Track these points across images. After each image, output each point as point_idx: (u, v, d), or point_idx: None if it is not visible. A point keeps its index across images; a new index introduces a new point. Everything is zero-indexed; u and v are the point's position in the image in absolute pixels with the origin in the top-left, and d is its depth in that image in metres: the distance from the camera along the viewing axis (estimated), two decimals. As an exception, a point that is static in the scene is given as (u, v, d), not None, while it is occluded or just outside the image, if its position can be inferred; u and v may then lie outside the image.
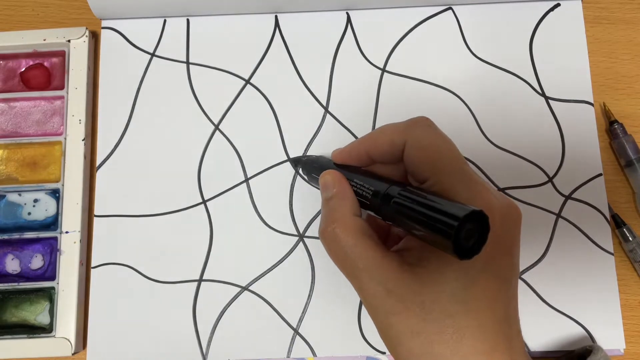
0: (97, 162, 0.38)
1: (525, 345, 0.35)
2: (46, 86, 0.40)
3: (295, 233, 0.37)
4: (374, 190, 0.26)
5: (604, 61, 0.40)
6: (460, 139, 0.38)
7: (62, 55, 0.40)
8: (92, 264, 0.37)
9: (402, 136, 0.27)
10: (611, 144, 0.38)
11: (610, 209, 0.37)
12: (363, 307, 0.36)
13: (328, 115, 0.39)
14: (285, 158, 0.38)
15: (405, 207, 0.24)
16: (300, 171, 0.34)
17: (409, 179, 0.28)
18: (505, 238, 0.24)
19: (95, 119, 0.39)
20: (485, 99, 0.39)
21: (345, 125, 0.38)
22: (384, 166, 0.30)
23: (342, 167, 0.30)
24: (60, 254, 0.36)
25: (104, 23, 0.40)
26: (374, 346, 0.35)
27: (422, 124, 0.27)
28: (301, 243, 0.37)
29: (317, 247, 0.37)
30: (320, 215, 0.28)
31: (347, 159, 0.30)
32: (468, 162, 0.27)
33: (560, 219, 0.37)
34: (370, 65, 0.39)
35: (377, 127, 0.38)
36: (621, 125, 0.38)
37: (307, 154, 0.36)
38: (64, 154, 0.38)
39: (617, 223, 0.37)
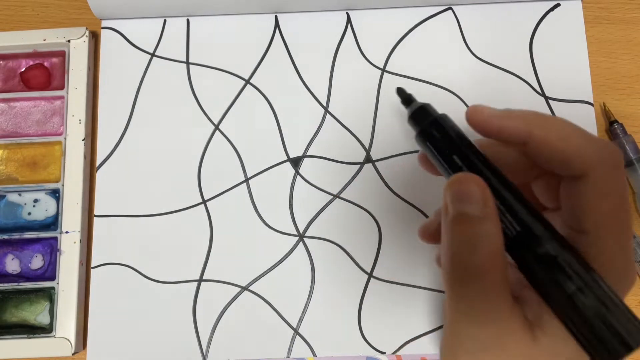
0: (97, 162, 0.38)
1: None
2: (46, 86, 0.40)
3: (295, 233, 0.37)
4: (518, 232, 0.20)
5: (604, 61, 0.40)
6: (460, 139, 0.38)
7: (62, 55, 0.40)
8: (92, 264, 0.37)
9: (586, 160, 0.21)
10: (611, 144, 0.38)
11: (610, 209, 0.37)
12: (363, 307, 0.36)
13: (328, 115, 0.39)
14: (285, 158, 0.38)
15: (564, 284, 0.19)
16: (418, 138, 0.24)
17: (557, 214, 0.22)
18: None
19: (95, 119, 0.39)
20: (485, 99, 0.39)
21: (345, 125, 0.38)
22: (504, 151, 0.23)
23: (478, 157, 0.23)
24: (60, 254, 0.36)
25: (104, 23, 0.40)
26: (374, 346, 0.35)
27: (615, 162, 0.21)
28: (301, 243, 0.37)
29: (317, 247, 0.37)
30: (448, 237, 0.21)
31: (486, 130, 0.23)
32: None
33: (560, 219, 0.37)
34: (370, 65, 0.39)
35: (376, 128, 0.38)
36: (621, 125, 0.38)
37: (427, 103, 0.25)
38: (64, 154, 0.38)
39: (617, 223, 0.37)
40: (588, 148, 0.21)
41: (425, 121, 0.25)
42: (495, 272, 0.20)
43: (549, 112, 0.38)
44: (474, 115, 0.24)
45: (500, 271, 0.20)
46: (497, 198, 0.21)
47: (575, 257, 0.20)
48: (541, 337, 0.20)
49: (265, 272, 0.36)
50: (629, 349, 0.17)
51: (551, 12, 0.40)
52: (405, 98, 0.26)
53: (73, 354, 0.35)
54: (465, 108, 0.38)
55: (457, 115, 0.38)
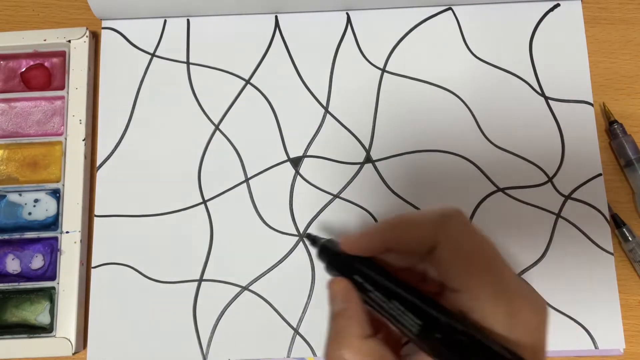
0: (98, 162, 0.38)
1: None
2: (46, 86, 0.40)
3: (295, 233, 0.37)
4: (421, 327, 0.23)
5: (603, 61, 0.40)
6: (460, 139, 0.38)
7: (62, 55, 0.40)
8: (93, 264, 0.37)
9: (433, 234, 0.24)
10: (611, 144, 0.38)
11: (610, 209, 0.37)
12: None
13: (328, 115, 0.39)
14: (285, 158, 0.38)
15: (467, 355, 0.21)
16: (318, 256, 0.29)
17: (434, 277, 0.26)
18: (542, 346, 0.23)
19: (96, 119, 0.39)
20: (485, 99, 0.39)
21: (345, 125, 0.39)
22: (397, 257, 0.27)
23: (360, 262, 0.26)
24: (60, 254, 0.36)
25: (104, 23, 0.40)
26: (374, 346, 0.35)
27: (457, 222, 0.24)
28: (301, 243, 0.37)
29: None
30: (327, 330, 0.25)
31: (360, 250, 0.27)
32: (502, 257, 0.24)
33: (560, 219, 0.37)
34: (370, 65, 0.39)
35: (376, 128, 0.38)
36: (621, 125, 0.38)
37: (330, 238, 0.30)
38: (64, 154, 0.38)
39: (616, 223, 0.37)
40: (427, 224, 0.25)
41: (312, 242, 0.30)
42: (368, 355, 0.23)
43: (548, 112, 0.38)
44: (345, 246, 0.27)
45: (371, 351, 0.24)
46: (391, 300, 0.24)
47: (470, 334, 0.22)
48: None
49: (265, 272, 0.36)
50: None
51: (551, 12, 0.40)
52: (313, 240, 0.30)
53: (73, 354, 0.35)
54: (465, 108, 0.39)
55: (457, 115, 0.38)
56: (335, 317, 0.25)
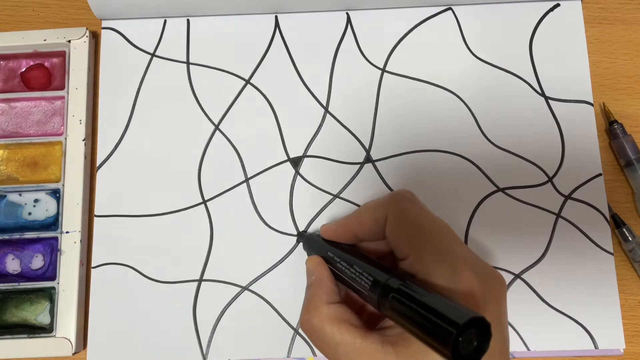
0: (97, 162, 0.38)
1: (525, 345, 0.35)
2: (46, 86, 0.40)
3: (295, 233, 0.37)
4: (372, 282, 0.26)
5: (603, 61, 0.40)
6: (460, 139, 0.38)
7: (62, 55, 0.40)
8: (92, 264, 0.37)
9: (383, 212, 0.27)
10: (611, 144, 0.38)
11: (609, 208, 0.37)
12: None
13: (328, 115, 0.39)
14: (285, 158, 0.38)
15: (402, 306, 0.23)
16: (302, 247, 0.35)
17: (396, 257, 0.27)
18: (492, 314, 0.24)
19: (96, 119, 0.39)
20: (485, 99, 0.39)
21: (345, 125, 0.39)
22: (372, 243, 0.30)
23: (334, 245, 0.31)
24: (60, 254, 0.36)
25: (104, 23, 0.40)
26: (374, 346, 0.35)
27: (403, 198, 0.28)
28: (301, 243, 0.37)
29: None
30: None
31: (334, 237, 0.31)
32: (452, 231, 0.27)
33: (560, 219, 0.37)
34: (370, 65, 0.39)
35: (376, 128, 0.38)
36: (621, 125, 0.38)
37: (311, 230, 0.36)
38: (64, 154, 0.38)
39: (616, 223, 0.37)
40: (380, 204, 0.28)
41: (299, 237, 0.37)
42: (331, 318, 0.26)
43: (548, 112, 0.38)
44: (322, 231, 0.32)
45: (333, 314, 0.26)
46: (353, 265, 0.28)
47: (408, 286, 0.24)
48: (404, 354, 0.23)
49: (265, 272, 0.36)
50: (457, 327, 0.20)
51: (551, 12, 0.40)
52: (300, 235, 0.36)
53: (73, 354, 0.35)
54: (465, 108, 0.39)
55: (457, 115, 0.38)
56: (308, 288, 0.29)
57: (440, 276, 0.24)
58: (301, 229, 0.37)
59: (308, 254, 0.33)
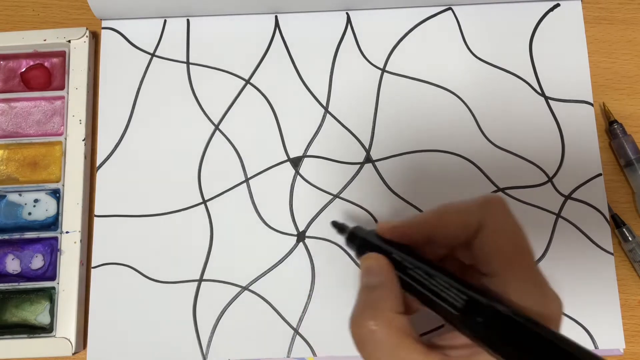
0: (97, 162, 0.38)
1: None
2: (46, 86, 0.40)
3: (295, 233, 0.37)
4: (466, 301, 0.22)
5: (603, 61, 0.40)
6: (460, 139, 0.38)
7: (62, 55, 0.40)
8: (92, 264, 0.37)
9: (477, 217, 0.24)
10: (611, 144, 0.38)
11: (609, 209, 0.37)
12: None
13: (328, 115, 0.39)
14: (285, 158, 0.38)
15: (508, 336, 0.21)
16: (345, 242, 0.29)
17: (469, 264, 0.26)
18: None
19: (96, 119, 0.39)
20: (485, 99, 0.39)
21: (345, 125, 0.39)
22: (431, 247, 0.26)
23: (394, 246, 0.26)
24: (60, 254, 0.36)
25: (104, 23, 0.40)
26: (374, 346, 0.35)
27: (499, 205, 0.25)
28: (301, 243, 0.37)
29: (317, 247, 0.37)
30: (356, 302, 0.25)
31: (399, 237, 0.26)
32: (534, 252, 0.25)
33: (560, 219, 0.37)
34: (370, 65, 0.39)
35: (376, 128, 0.38)
36: (621, 125, 0.38)
37: (357, 224, 0.30)
38: (64, 154, 0.38)
39: (616, 223, 0.37)
40: (473, 208, 0.25)
41: (339, 229, 0.31)
42: (399, 330, 0.23)
43: (548, 112, 0.38)
44: (382, 230, 0.27)
45: (403, 327, 0.23)
46: (435, 278, 0.24)
47: (521, 321, 0.21)
48: None
49: (265, 272, 0.36)
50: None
51: (551, 12, 0.40)
52: (340, 228, 0.30)
53: (73, 354, 0.35)
54: (465, 108, 0.39)
55: (457, 115, 0.38)
56: (370, 290, 0.25)
57: (533, 302, 0.22)
58: (301, 229, 0.37)
59: (358, 253, 0.28)
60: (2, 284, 0.36)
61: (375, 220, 0.37)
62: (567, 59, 0.39)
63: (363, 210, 0.37)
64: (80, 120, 0.38)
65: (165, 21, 0.40)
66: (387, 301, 0.24)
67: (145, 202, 0.38)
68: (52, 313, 0.36)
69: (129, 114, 0.39)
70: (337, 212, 0.37)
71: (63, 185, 0.37)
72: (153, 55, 0.40)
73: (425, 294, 0.24)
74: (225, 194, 0.38)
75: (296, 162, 0.38)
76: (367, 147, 0.38)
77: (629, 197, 0.38)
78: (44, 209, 0.38)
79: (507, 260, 0.23)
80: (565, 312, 0.35)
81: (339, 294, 0.36)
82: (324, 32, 0.40)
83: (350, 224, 0.31)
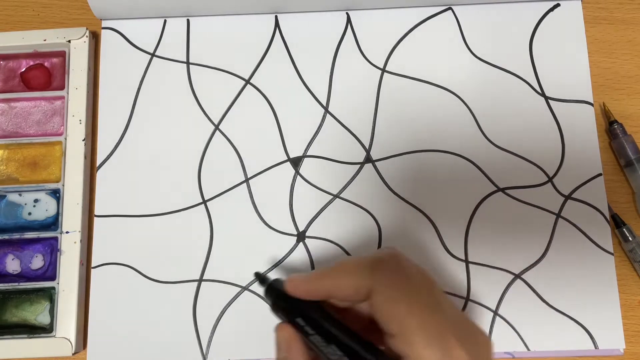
0: (97, 162, 0.38)
1: (525, 345, 0.35)
2: (46, 86, 0.40)
3: (295, 233, 0.37)
4: None
5: (603, 61, 0.40)
6: (460, 139, 0.38)
7: (62, 55, 0.40)
8: (92, 264, 0.37)
9: (368, 282, 0.25)
10: (611, 144, 0.38)
11: (610, 209, 0.37)
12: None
13: (328, 115, 0.39)
14: (285, 158, 0.38)
15: None
16: (264, 295, 0.30)
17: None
18: None
19: (96, 119, 0.39)
20: (485, 99, 0.39)
21: (345, 125, 0.39)
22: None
23: (300, 302, 0.27)
24: (60, 254, 0.36)
25: (104, 23, 0.40)
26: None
27: (390, 266, 0.26)
28: (301, 243, 0.37)
29: (317, 247, 0.37)
30: None
31: (303, 294, 0.27)
32: (439, 295, 0.26)
33: (560, 219, 0.37)
34: (370, 65, 0.39)
35: (376, 128, 0.38)
36: (621, 125, 0.38)
37: (276, 277, 0.32)
38: (64, 154, 0.38)
39: (616, 223, 0.37)
40: (362, 270, 0.25)
41: (261, 281, 0.31)
42: None
43: (548, 112, 0.38)
44: (289, 289, 0.27)
45: None
46: (331, 343, 0.25)
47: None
48: None
49: (265, 272, 0.36)
50: None
51: (551, 12, 0.40)
52: (262, 280, 0.30)
53: (73, 354, 0.35)
54: (465, 108, 0.39)
55: (457, 115, 0.38)
56: None
57: (434, 357, 0.23)
58: (301, 229, 0.37)
59: (272, 309, 0.29)
60: (2, 284, 0.36)
61: (376, 221, 0.37)
62: (567, 59, 0.39)
63: (363, 210, 0.37)
64: (80, 120, 0.38)
65: (165, 21, 0.40)
66: None
67: (145, 202, 0.38)
68: (52, 313, 0.36)
69: (129, 114, 0.39)
70: (337, 212, 0.37)
71: (63, 185, 0.37)
72: (153, 55, 0.40)
73: (322, 357, 0.25)
74: (225, 194, 0.38)
75: (296, 162, 0.38)
76: (367, 147, 0.38)
77: (629, 197, 0.38)
78: (44, 209, 0.38)
79: (401, 322, 0.24)
80: (566, 312, 0.35)
81: (339, 294, 0.36)
82: (324, 32, 0.40)
83: (274, 276, 0.32)
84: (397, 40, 0.40)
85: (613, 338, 0.35)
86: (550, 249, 0.36)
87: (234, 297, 0.36)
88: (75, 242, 0.36)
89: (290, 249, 0.37)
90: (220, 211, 0.37)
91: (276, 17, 0.40)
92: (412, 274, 0.26)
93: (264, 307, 0.36)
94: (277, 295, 0.28)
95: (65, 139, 0.38)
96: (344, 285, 0.26)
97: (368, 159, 0.38)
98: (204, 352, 0.35)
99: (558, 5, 0.40)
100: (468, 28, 0.40)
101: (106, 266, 0.37)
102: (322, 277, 0.27)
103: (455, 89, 0.39)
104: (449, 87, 0.39)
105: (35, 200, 0.38)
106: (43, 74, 0.40)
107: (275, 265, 0.36)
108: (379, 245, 0.37)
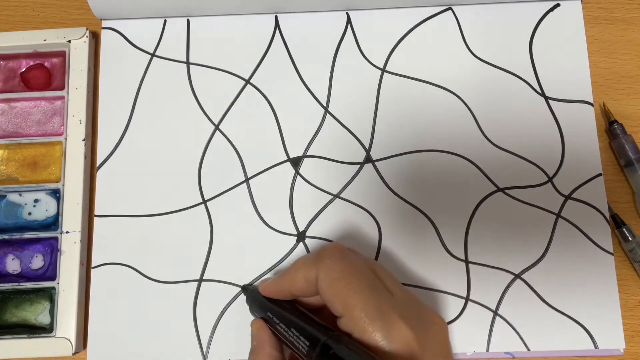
0: (97, 162, 0.38)
1: (525, 345, 0.35)
2: (46, 86, 0.40)
3: (295, 233, 0.37)
4: (308, 346, 0.26)
5: (603, 61, 0.40)
6: (460, 139, 0.38)
7: (62, 55, 0.40)
8: (93, 264, 0.37)
9: (314, 271, 0.27)
10: (611, 144, 0.38)
11: (609, 209, 0.37)
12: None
13: (328, 115, 0.39)
14: (285, 158, 0.38)
15: None
16: (245, 301, 0.34)
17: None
18: (436, 357, 0.25)
19: (96, 119, 0.39)
20: (485, 99, 0.39)
21: (345, 125, 0.39)
22: (315, 298, 0.29)
23: (275, 302, 0.31)
24: (60, 254, 0.36)
25: (104, 23, 0.40)
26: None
27: (332, 256, 0.28)
28: (301, 243, 0.37)
29: (317, 247, 0.37)
30: None
31: (272, 294, 0.31)
32: (388, 276, 0.28)
33: (560, 219, 0.37)
34: (370, 65, 0.39)
35: (376, 128, 0.38)
36: (621, 125, 0.38)
37: (256, 283, 0.35)
38: (64, 154, 0.38)
39: (616, 223, 0.37)
40: (309, 263, 0.28)
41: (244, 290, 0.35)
42: None
43: (548, 112, 0.38)
44: (262, 290, 0.31)
45: None
46: (291, 328, 0.28)
47: (343, 348, 0.25)
48: None
49: (265, 272, 0.36)
50: None
51: (551, 12, 0.40)
52: (244, 289, 0.35)
53: (73, 354, 0.35)
54: (465, 108, 0.39)
55: (457, 115, 0.38)
56: (250, 354, 0.30)
57: (375, 336, 0.25)
58: (301, 229, 0.37)
59: (251, 311, 0.33)
60: (2, 284, 0.36)
61: (376, 221, 0.37)
62: (567, 59, 0.39)
63: (363, 210, 0.37)
64: (80, 120, 0.38)
65: (165, 21, 0.40)
66: None
67: (145, 202, 0.38)
68: (52, 313, 0.36)
69: (129, 114, 0.39)
70: (337, 212, 0.37)
71: (63, 185, 0.37)
72: (153, 55, 0.40)
73: (288, 344, 0.28)
74: (225, 194, 0.38)
75: (296, 162, 0.38)
76: (367, 147, 0.38)
77: (629, 197, 0.38)
78: (44, 209, 0.38)
79: (344, 301, 0.26)
80: (565, 312, 0.35)
81: (339, 294, 0.36)
82: (324, 32, 0.40)
83: (255, 283, 0.35)
84: (397, 40, 0.40)
85: (613, 338, 0.35)
86: (550, 249, 0.36)
87: (234, 297, 0.36)
88: (75, 242, 0.36)
89: (290, 249, 0.37)
90: (220, 211, 0.37)
91: (276, 17, 0.40)
92: (353, 259, 0.28)
93: (264, 307, 0.36)
94: (253, 298, 0.33)
95: (66, 139, 0.38)
96: (297, 280, 0.28)
97: (368, 159, 0.38)
98: (204, 352, 0.35)
99: (558, 5, 0.40)
100: (468, 28, 0.40)
101: (106, 266, 0.37)
102: (282, 277, 0.30)
103: (455, 89, 0.39)
104: (449, 87, 0.39)
105: (35, 200, 0.38)
106: (43, 74, 0.40)
107: (276, 265, 0.36)
108: (379, 245, 0.37)
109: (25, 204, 0.38)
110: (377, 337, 0.25)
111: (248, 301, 0.33)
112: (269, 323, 0.30)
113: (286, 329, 0.28)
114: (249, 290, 0.34)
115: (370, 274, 0.27)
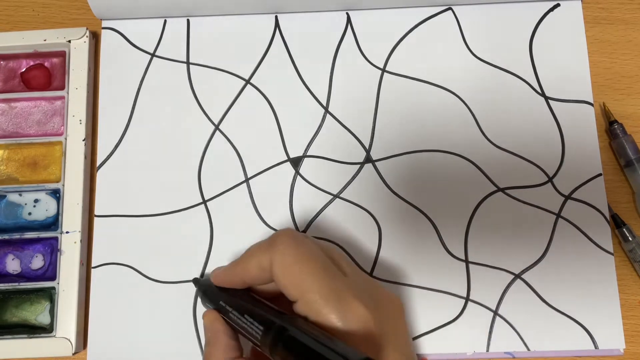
0: (98, 162, 0.38)
1: (525, 345, 0.35)
2: (47, 86, 0.40)
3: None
4: (262, 331, 0.26)
5: (603, 61, 0.40)
6: (460, 139, 0.38)
7: (62, 55, 0.40)
8: (93, 264, 0.37)
9: (267, 257, 0.27)
10: (611, 144, 0.38)
11: (610, 209, 0.37)
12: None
13: (328, 115, 0.39)
14: (285, 158, 0.38)
15: (291, 354, 0.24)
16: (196, 293, 0.34)
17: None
18: (390, 338, 0.25)
19: (96, 119, 0.39)
20: (485, 98, 0.39)
21: (345, 125, 0.39)
22: (268, 285, 0.29)
23: (227, 291, 0.30)
24: (60, 254, 0.36)
25: (104, 23, 0.40)
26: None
27: (283, 239, 0.27)
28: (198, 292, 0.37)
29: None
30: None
31: (225, 283, 0.30)
32: (340, 257, 0.29)
33: (560, 219, 0.37)
34: (370, 65, 0.39)
35: (376, 128, 0.38)
36: (621, 125, 0.38)
37: (207, 273, 0.35)
38: (64, 154, 0.38)
39: (616, 223, 0.37)
40: (262, 249, 0.28)
41: (195, 283, 0.35)
42: None
43: (548, 112, 0.38)
44: (214, 280, 0.31)
45: None
46: (244, 315, 0.27)
47: (297, 332, 0.24)
48: None
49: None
50: None
51: (551, 12, 0.40)
52: (195, 282, 0.34)
53: (73, 354, 0.35)
54: (465, 108, 0.39)
55: (457, 115, 0.38)
56: (205, 346, 0.29)
57: (330, 317, 0.25)
58: (301, 229, 0.37)
59: (203, 304, 0.32)
60: (2, 284, 0.36)
61: (376, 221, 0.37)
62: (567, 59, 0.39)
63: (363, 210, 0.37)
64: (80, 120, 0.38)
65: (165, 21, 0.40)
66: (217, 353, 0.28)
67: (145, 202, 0.38)
68: (52, 313, 0.36)
69: (129, 114, 0.39)
70: (337, 212, 0.37)
71: (63, 185, 0.37)
72: (153, 55, 0.40)
73: (242, 332, 0.27)
74: (225, 194, 0.38)
75: (296, 162, 0.38)
76: (367, 147, 0.38)
77: (629, 197, 0.38)
78: (44, 209, 0.38)
79: (298, 285, 0.26)
80: (566, 312, 0.35)
81: (339, 294, 0.36)
82: (324, 32, 0.40)
83: (207, 275, 0.35)
84: (397, 40, 0.40)
85: (613, 338, 0.35)
86: (550, 249, 0.36)
87: (234, 297, 0.36)
88: (75, 242, 0.36)
89: (290, 249, 0.37)
90: (220, 211, 0.37)
91: (276, 17, 0.40)
92: (306, 243, 0.28)
93: (264, 307, 0.36)
94: (205, 290, 0.32)
95: (66, 139, 0.38)
96: (250, 267, 0.28)
97: (368, 159, 0.38)
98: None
99: (558, 5, 0.40)
100: (468, 28, 0.40)
101: (106, 266, 0.37)
102: (235, 265, 0.29)
103: (455, 89, 0.39)
104: (449, 87, 0.39)
105: (36, 200, 0.38)
106: (43, 74, 0.40)
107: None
108: (379, 246, 0.37)
109: (25, 204, 0.38)
110: (332, 318, 0.25)
111: (199, 293, 0.33)
112: (223, 313, 0.29)
113: (239, 316, 0.28)
114: (200, 282, 0.33)
115: (324, 257, 0.27)
